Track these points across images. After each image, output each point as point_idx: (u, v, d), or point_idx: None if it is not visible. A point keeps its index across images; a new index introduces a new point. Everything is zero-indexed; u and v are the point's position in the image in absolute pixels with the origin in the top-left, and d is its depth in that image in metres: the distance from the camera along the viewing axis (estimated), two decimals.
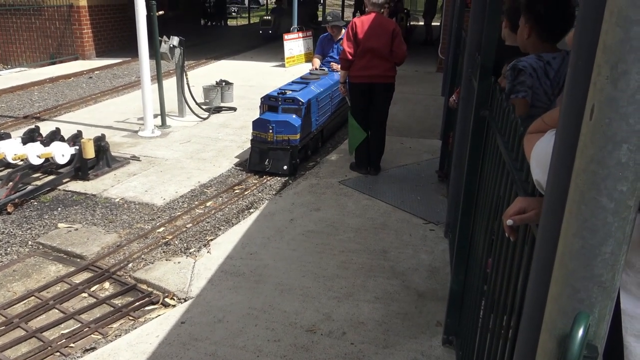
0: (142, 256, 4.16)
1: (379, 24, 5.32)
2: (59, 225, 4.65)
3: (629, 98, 0.73)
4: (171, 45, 7.46)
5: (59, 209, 4.96)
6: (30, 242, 4.38)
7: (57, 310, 3.53)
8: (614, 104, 0.75)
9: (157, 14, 7.16)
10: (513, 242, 1.58)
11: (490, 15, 2.51)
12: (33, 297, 3.65)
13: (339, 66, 6.94)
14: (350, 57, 5.35)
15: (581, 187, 0.81)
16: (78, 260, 4.14)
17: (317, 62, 7.33)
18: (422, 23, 20.32)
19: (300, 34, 13.36)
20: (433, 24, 17.39)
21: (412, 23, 20.34)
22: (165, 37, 7.44)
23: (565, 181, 0.87)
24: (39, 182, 5.35)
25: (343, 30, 7.03)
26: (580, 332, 0.81)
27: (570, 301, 0.85)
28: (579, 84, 0.87)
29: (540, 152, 1.17)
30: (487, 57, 2.45)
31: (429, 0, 17.47)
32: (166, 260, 4.06)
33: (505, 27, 3.08)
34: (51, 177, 5.45)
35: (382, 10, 5.49)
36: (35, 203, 5.07)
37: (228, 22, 24.21)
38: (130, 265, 4.05)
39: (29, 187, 5.16)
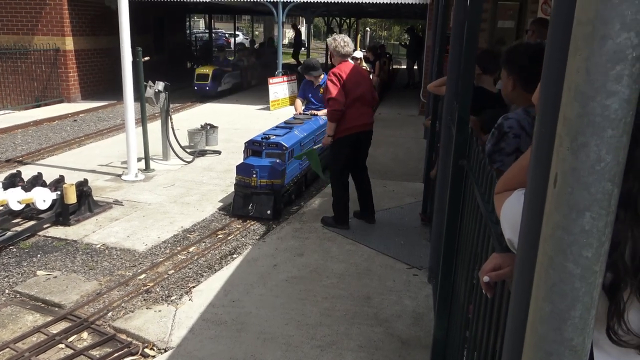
0: (122, 304, 4.08)
1: (358, 71, 5.37)
2: (38, 272, 4.57)
3: (589, 168, 0.76)
4: (156, 90, 7.53)
5: (39, 255, 4.88)
6: (7, 291, 4.29)
7: None
8: (575, 174, 0.78)
9: (142, 59, 7.25)
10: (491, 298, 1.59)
11: (465, 66, 2.60)
12: (8, 349, 3.55)
13: (320, 113, 7.04)
14: (342, 107, 5.10)
15: (549, 252, 0.83)
16: (56, 309, 4.05)
17: (299, 104, 7.34)
18: (404, 66, 20.81)
19: (285, 78, 13.58)
20: (415, 67, 17.83)
21: (394, 66, 20.82)
22: (150, 82, 7.52)
23: (534, 245, 0.90)
24: (18, 228, 5.28)
25: (322, 77, 7.03)
26: None
27: None
28: (544, 153, 0.91)
29: (508, 213, 1.19)
30: (463, 107, 2.51)
31: (411, 45, 17.96)
32: (147, 308, 4.00)
33: (477, 71, 3.17)
34: (31, 223, 5.39)
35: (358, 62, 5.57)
36: (14, 249, 4.98)
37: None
38: (109, 314, 3.97)
39: (8, 233, 5.09)
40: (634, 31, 0.70)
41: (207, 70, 14.55)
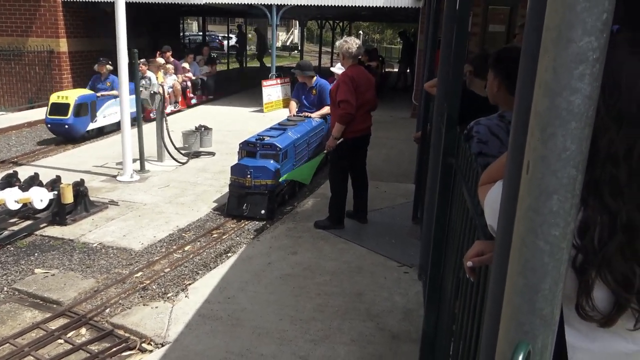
0: (120, 301, 4.16)
1: (366, 76, 5.50)
2: (36, 270, 4.64)
3: (557, 156, 0.87)
4: (152, 92, 7.61)
5: (36, 254, 4.94)
6: (5, 288, 4.35)
7: (32, 358, 3.50)
8: (545, 161, 0.88)
9: (138, 61, 7.32)
10: (475, 282, 1.70)
11: (454, 67, 2.71)
12: (8, 344, 3.62)
13: (314, 115, 7.17)
14: (354, 111, 5.19)
15: (522, 232, 0.94)
16: (54, 306, 4.12)
17: (293, 105, 7.46)
18: (396, 70, 20.96)
19: (278, 80, 13.68)
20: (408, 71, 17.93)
21: (386, 69, 20.98)
22: (146, 84, 7.59)
23: (511, 227, 1.00)
24: (15, 227, 5.34)
25: (314, 79, 7.16)
26: (520, 358, 0.92)
27: (516, 333, 0.97)
28: (519, 143, 1.01)
29: (490, 200, 1.30)
30: (452, 107, 2.62)
31: (405, 49, 18.05)
32: (144, 305, 4.07)
33: (469, 72, 3.27)
34: (28, 222, 5.45)
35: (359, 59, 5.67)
36: (12, 248, 5.04)
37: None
38: (107, 310, 4.04)
39: (6, 233, 5.15)
40: (594, 36, 0.80)
41: (68, 98, 9.43)
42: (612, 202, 1.01)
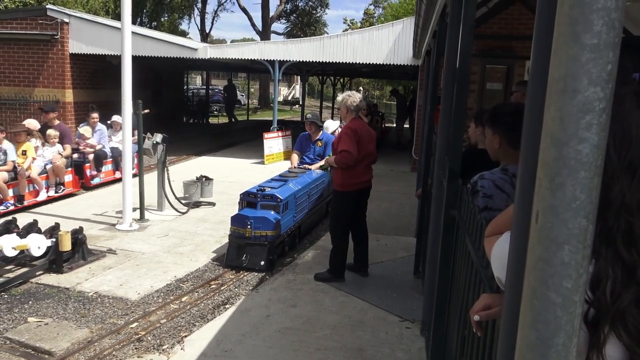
0: (114, 352, 4.05)
1: (367, 130, 5.58)
2: (29, 319, 4.54)
3: (566, 206, 0.86)
4: (154, 142, 7.68)
5: (30, 302, 4.85)
6: None
7: None
8: (554, 211, 0.87)
9: (142, 112, 7.44)
10: (482, 338, 1.66)
11: (455, 121, 2.74)
12: None
13: (314, 167, 7.34)
14: (354, 163, 5.24)
15: (533, 283, 0.92)
16: (46, 356, 4.01)
17: (295, 158, 7.61)
18: (395, 125, 21.23)
19: (280, 133, 13.85)
20: (406, 126, 18.16)
21: (386, 125, 21.28)
22: (149, 134, 7.68)
23: (520, 278, 0.98)
24: (11, 275, 5.26)
25: (321, 132, 7.49)
26: None
27: None
28: (527, 193, 1.01)
29: (499, 252, 1.28)
30: (454, 161, 2.64)
31: (400, 105, 18.32)
32: (138, 357, 3.96)
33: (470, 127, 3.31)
34: (24, 270, 5.37)
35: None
36: (6, 296, 4.95)
37: (210, 120, 24.98)
38: None
39: (0, 280, 5.07)
40: (599, 86, 0.81)
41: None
42: (626, 252, 0.99)
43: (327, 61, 13.29)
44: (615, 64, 0.82)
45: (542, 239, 0.90)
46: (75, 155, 9.58)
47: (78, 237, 5.69)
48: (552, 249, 0.89)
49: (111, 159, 10.25)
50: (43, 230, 5.89)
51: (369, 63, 13.17)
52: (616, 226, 1.00)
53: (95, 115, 10.15)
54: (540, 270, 0.91)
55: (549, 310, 0.91)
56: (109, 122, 10.47)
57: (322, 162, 7.24)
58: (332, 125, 8.61)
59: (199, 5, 40.73)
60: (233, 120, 24.88)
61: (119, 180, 8.50)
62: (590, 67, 0.80)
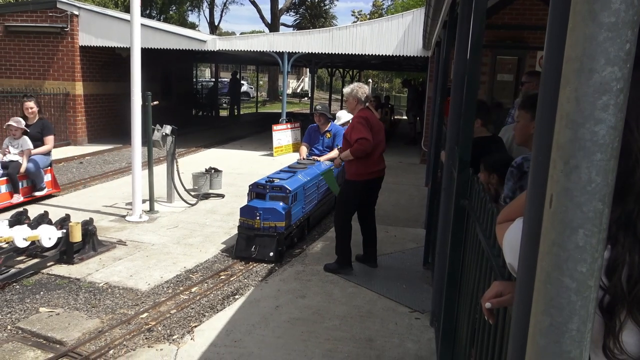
0: (124, 342, 4.07)
1: (376, 120, 5.58)
2: (40, 309, 4.57)
3: (581, 189, 0.84)
4: (164, 134, 7.69)
5: (42, 292, 4.89)
6: (9, 327, 4.28)
7: None
8: (569, 194, 0.85)
9: (152, 103, 7.45)
10: (494, 326, 1.64)
11: (465, 114, 2.72)
12: None
13: (322, 158, 7.36)
14: (370, 148, 5.22)
15: (546, 268, 0.90)
16: (58, 346, 4.04)
17: (304, 150, 7.64)
18: (405, 117, 21.11)
19: (289, 125, 13.84)
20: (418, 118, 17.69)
21: (395, 117, 21.18)
22: (158, 126, 7.70)
23: (533, 263, 0.96)
24: (22, 265, 5.30)
25: (330, 123, 7.50)
26: None
27: None
28: (540, 176, 0.99)
29: (511, 238, 1.26)
30: (464, 151, 2.61)
31: (411, 98, 17.78)
32: (148, 347, 3.99)
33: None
34: (35, 261, 5.41)
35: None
36: (18, 286, 5.00)
37: (219, 113, 24.99)
38: (111, 351, 3.95)
39: (12, 270, 5.11)
40: (617, 66, 0.79)
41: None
42: None
43: (336, 53, 13.23)
44: (633, 43, 0.79)
45: (557, 223, 0.88)
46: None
47: (88, 228, 5.72)
48: (566, 233, 0.87)
49: (6, 178, 7.45)
50: (54, 221, 5.93)
51: (378, 54, 13.10)
52: (636, 211, 0.98)
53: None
54: (554, 255, 0.89)
55: (563, 295, 0.89)
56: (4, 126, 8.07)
57: (331, 154, 7.23)
58: (345, 116, 8.44)
59: None
60: (235, 114, 24.79)
61: (17, 205, 7.11)
62: (608, 46, 0.78)
